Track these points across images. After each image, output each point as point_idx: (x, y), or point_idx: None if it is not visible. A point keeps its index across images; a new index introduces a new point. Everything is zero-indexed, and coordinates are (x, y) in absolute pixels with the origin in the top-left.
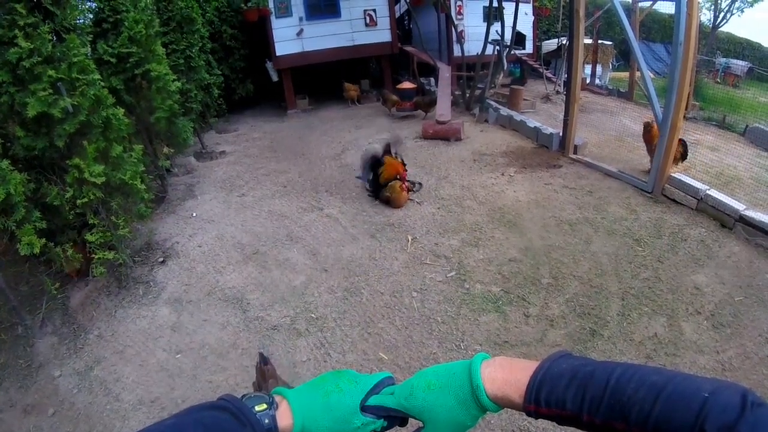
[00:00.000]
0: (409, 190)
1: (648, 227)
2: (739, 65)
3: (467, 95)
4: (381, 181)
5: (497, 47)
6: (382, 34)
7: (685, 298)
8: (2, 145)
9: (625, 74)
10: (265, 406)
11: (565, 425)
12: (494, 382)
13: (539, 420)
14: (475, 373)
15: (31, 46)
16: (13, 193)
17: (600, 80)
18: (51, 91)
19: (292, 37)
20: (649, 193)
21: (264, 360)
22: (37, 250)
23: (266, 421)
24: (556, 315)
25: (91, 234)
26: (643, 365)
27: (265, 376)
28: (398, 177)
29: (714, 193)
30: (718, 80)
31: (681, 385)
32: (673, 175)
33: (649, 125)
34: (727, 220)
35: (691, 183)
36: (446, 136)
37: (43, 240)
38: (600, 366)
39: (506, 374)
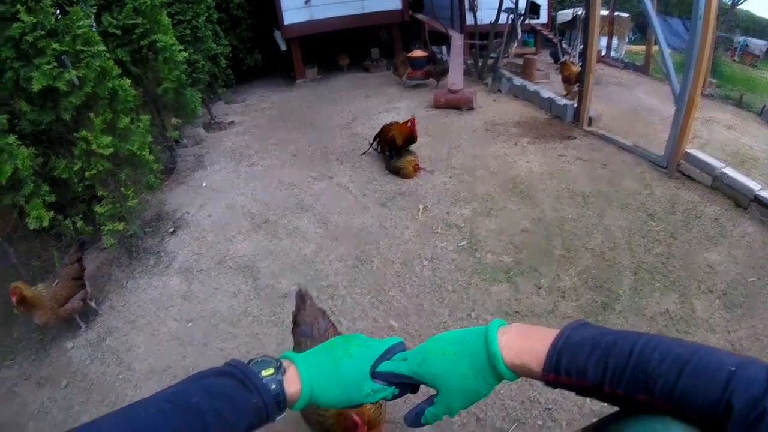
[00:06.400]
0: (420, 169)
1: (662, 202)
2: (758, 45)
3: (480, 65)
4: (399, 144)
5: (511, 16)
6: (393, 1)
7: (698, 275)
8: (9, 121)
9: (641, 48)
10: (272, 370)
11: (585, 396)
12: (511, 350)
13: (549, 391)
14: (491, 340)
15: (34, 20)
16: (20, 167)
17: (616, 53)
18: (56, 64)
19: (300, 5)
20: (663, 168)
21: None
22: (46, 224)
23: (273, 386)
24: (568, 287)
25: (100, 206)
26: (664, 336)
27: (305, 299)
28: (412, 135)
29: (730, 171)
30: (736, 59)
31: (706, 358)
32: (688, 151)
33: (565, 63)
34: (741, 200)
35: (707, 160)
36: (458, 105)
37: (52, 213)
38: (622, 335)
39: (524, 342)
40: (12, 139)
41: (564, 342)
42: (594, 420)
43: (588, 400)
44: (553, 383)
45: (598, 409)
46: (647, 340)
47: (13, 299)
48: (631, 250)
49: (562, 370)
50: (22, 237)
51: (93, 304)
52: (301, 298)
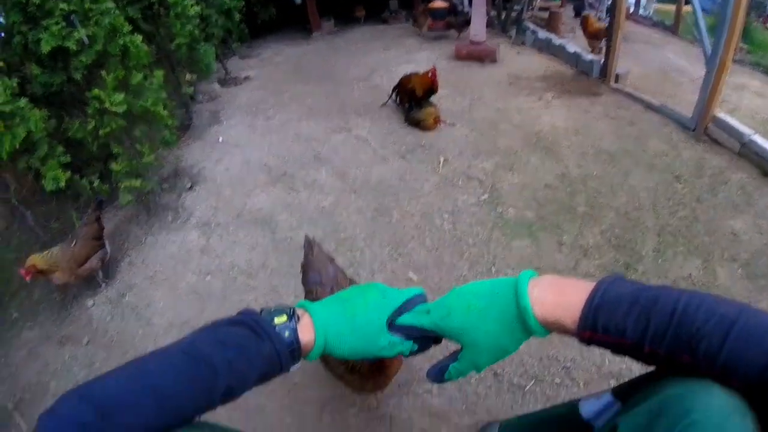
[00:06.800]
0: (441, 121)
1: (689, 165)
2: None
3: (503, 17)
4: (418, 95)
5: None
6: None
7: (722, 242)
8: (20, 85)
9: (670, 7)
10: (285, 318)
11: (621, 355)
12: (544, 304)
13: (568, 349)
14: (522, 293)
15: None
16: (33, 129)
17: (644, 11)
18: (64, 24)
19: None
20: (691, 130)
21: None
22: (62, 185)
23: (286, 333)
24: (591, 245)
25: (116, 163)
26: (707, 293)
27: (312, 246)
28: (433, 86)
29: (758, 139)
30: None
31: (752, 320)
32: (717, 115)
33: (587, 18)
34: None
35: (736, 126)
36: (480, 57)
37: (68, 174)
38: (664, 292)
39: (557, 296)
40: (24, 102)
41: (601, 297)
42: (612, 382)
43: (607, 360)
44: (588, 340)
45: (617, 370)
46: (690, 297)
47: (27, 278)
48: (655, 211)
49: (600, 327)
50: (39, 201)
51: (101, 277)
52: (309, 245)
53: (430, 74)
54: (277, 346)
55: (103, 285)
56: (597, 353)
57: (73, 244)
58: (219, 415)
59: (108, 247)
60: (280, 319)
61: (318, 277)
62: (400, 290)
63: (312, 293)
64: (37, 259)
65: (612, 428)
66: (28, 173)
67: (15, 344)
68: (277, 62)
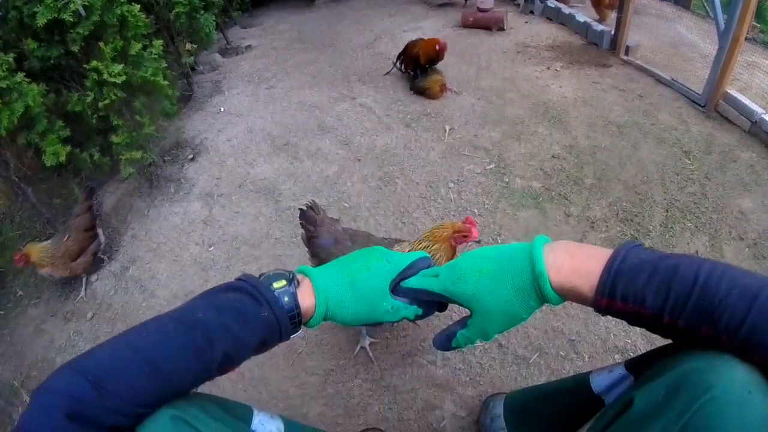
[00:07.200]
0: (447, 89)
1: (698, 141)
2: None
3: None
4: (422, 62)
5: None
6: None
7: (729, 220)
8: (17, 61)
9: None
10: (284, 282)
11: (638, 326)
12: (560, 270)
13: (573, 322)
14: (537, 259)
15: None
16: (32, 104)
17: None
18: None
19: None
20: (701, 106)
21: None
22: (63, 159)
23: (285, 299)
24: (598, 217)
25: (116, 135)
26: (728, 264)
27: (318, 210)
28: (438, 56)
29: None
30: None
31: None
32: (728, 92)
33: None
34: None
35: (747, 104)
36: (488, 25)
37: (69, 148)
38: (684, 260)
39: (574, 262)
40: (20, 77)
41: (620, 264)
42: (617, 357)
43: (612, 334)
44: (605, 309)
45: (622, 345)
46: (713, 266)
47: (20, 265)
48: (664, 186)
49: (618, 294)
50: (41, 177)
51: (105, 257)
52: (315, 208)
53: (437, 47)
54: (276, 312)
55: (106, 260)
56: (602, 327)
57: (65, 238)
58: (222, 385)
59: (102, 237)
60: (279, 284)
61: (331, 239)
62: (404, 254)
63: (322, 259)
64: (33, 251)
65: (625, 403)
66: (28, 149)
67: (20, 322)
68: (279, 30)
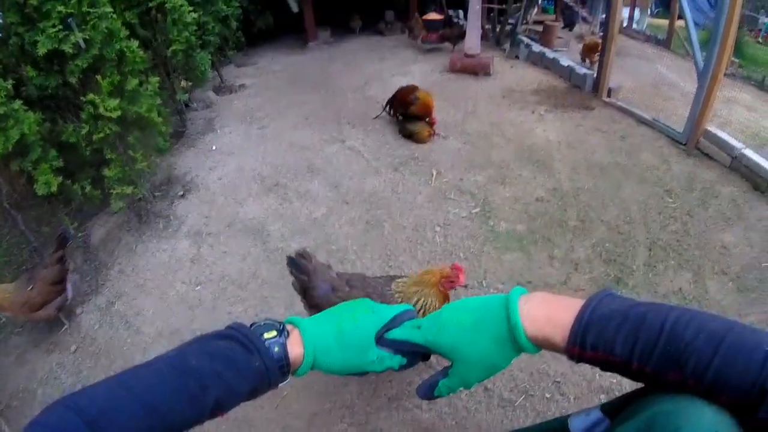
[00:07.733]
0: (434, 134)
1: (680, 179)
2: None
3: (498, 30)
4: (410, 114)
5: None
6: None
7: (712, 256)
8: (15, 87)
9: (663, 21)
10: (274, 333)
11: (610, 371)
12: (534, 321)
13: (558, 364)
14: (512, 310)
15: None
16: (27, 132)
17: (637, 24)
18: (61, 26)
19: None
20: (682, 144)
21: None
22: (54, 189)
23: (276, 349)
24: (582, 259)
25: (108, 169)
26: (696, 309)
27: (310, 258)
28: (428, 120)
29: (749, 153)
30: (760, 40)
31: (741, 336)
32: (708, 129)
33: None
34: (759, 183)
35: (727, 139)
36: (475, 70)
37: (60, 178)
38: (653, 308)
39: (547, 313)
40: (18, 104)
41: (590, 314)
42: (602, 397)
43: (597, 375)
44: (578, 357)
45: (607, 385)
46: (680, 313)
47: None
48: (646, 225)
49: (588, 344)
50: (31, 205)
51: (63, 318)
52: (306, 256)
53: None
54: (266, 361)
55: (66, 325)
56: (587, 368)
57: (30, 288)
58: (206, 426)
59: (69, 292)
60: (269, 334)
61: (328, 287)
62: (390, 306)
63: (325, 305)
64: None
65: None
66: (20, 176)
67: (2, 349)
68: (273, 71)
